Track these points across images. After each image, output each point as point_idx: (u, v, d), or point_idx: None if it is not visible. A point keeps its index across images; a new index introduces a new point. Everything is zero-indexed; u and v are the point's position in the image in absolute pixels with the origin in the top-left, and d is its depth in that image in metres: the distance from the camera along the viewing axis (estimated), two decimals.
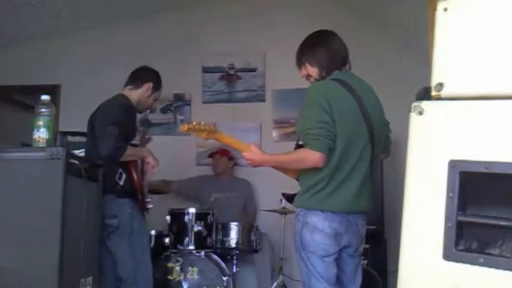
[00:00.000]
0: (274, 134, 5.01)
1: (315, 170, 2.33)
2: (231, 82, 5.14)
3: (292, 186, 2.55)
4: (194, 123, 2.56)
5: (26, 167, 2.50)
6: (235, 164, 4.82)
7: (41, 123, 2.56)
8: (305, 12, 4.88)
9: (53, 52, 5.22)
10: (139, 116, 3.64)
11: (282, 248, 4.11)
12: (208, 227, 3.97)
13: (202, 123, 2.57)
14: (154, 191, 3.85)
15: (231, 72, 5.14)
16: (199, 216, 3.97)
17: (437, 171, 1.20)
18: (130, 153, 3.07)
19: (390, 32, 4.74)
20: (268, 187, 4.30)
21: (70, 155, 2.59)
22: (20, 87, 5.40)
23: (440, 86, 1.24)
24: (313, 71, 2.52)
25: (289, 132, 4.83)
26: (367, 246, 2.97)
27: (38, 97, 2.63)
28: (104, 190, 3.00)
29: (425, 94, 1.26)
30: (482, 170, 1.15)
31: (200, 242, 3.92)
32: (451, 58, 1.25)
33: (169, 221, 3.99)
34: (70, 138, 3.99)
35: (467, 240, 1.18)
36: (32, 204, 2.45)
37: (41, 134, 2.56)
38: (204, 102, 5.16)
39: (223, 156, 4.71)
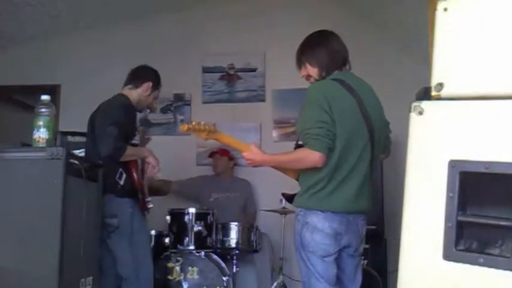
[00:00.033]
0: (274, 134, 5.01)
1: (314, 169, 2.33)
2: (231, 82, 5.14)
3: (292, 186, 2.55)
4: (194, 123, 2.56)
5: (26, 167, 2.50)
6: (235, 164, 4.82)
7: (41, 123, 2.56)
8: (305, 12, 4.88)
9: (53, 52, 5.22)
10: (139, 115, 3.64)
11: (282, 248, 4.11)
12: (208, 227, 3.97)
13: (202, 123, 2.57)
14: (154, 192, 3.84)
15: (231, 72, 5.14)
16: (199, 216, 3.97)
17: (437, 171, 1.20)
18: (130, 153, 3.07)
19: (390, 32, 4.74)
20: (268, 187, 4.30)
21: (70, 155, 2.59)
22: (20, 87, 5.40)
23: (440, 86, 1.24)
24: (313, 71, 2.52)
25: (289, 132, 4.83)
26: (367, 246, 2.97)
27: (38, 97, 2.63)
28: (104, 190, 3.00)
29: (425, 94, 1.26)
30: (482, 170, 1.15)
31: (200, 242, 3.92)
32: (451, 58, 1.25)
33: (169, 221, 3.99)
34: (70, 138, 3.99)
35: (467, 240, 1.18)
36: (32, 204, 2.45)
37: (41, 134, 2.55)
38: (204, 102, 5.16)
39: (224, 156, 4.71)
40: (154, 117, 5.05)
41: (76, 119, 3.72)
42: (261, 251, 4.27)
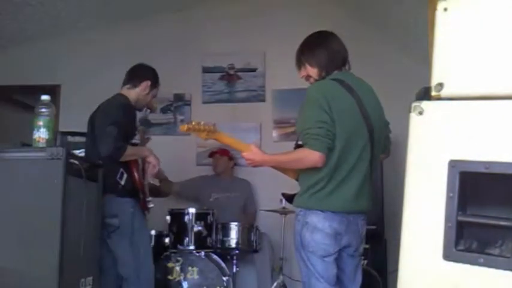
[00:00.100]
0: (274, 134, 5.01)
1: (314, 169, 2.33)
2: (231, 82, 5.14)
3: (292, 186, 2.55)
4: (194, 123, 2.57)
5: (26, 167, 2.50)
6: (235, 164, 4.82)
7: (41, 123, 2.56)
8: (305, 12, 4.88)
9: (53, 52, 5.21)
10: (139, 115, 3.64)
11: (282, 248, 4.11)
12: (208, 227, 3.97)
13: (202, 123, 2.57)
14: (155, 193, 3.84)
15: (231, 72, 5.14)
16: (199, 216, 3.97)
17: (437, 171, 1.20)
18: (130, 153, 3.07)
19: (390, 32, 4.74)
20: (268, 187, 4.30)
21: (70, 155, 2.59)
22: (20, 87, 5.40)
23: (440, 86, 1.24)
24: (313, 71, 2.52)
25: (289, 132, 4.83)
26: (367, 246, 2.97)
27: (38, 97, 2.63)
28: (105, 190, 3.00)
29: (425, 94, 1.26)
30: (482, 170, 1.15)
31: (200, 242, 3.92)
32: (451, 58, 1.25)
33: (169, 221, 3.99)
34: (70, 138, 3.99)
35: (467, 240, 1.18)
36: (32, 204, 2.45)
37: (41, 134, 2.55)
38: (204, 102, 5.16)
39: (224, 155, 4.71)
40: (154, 117, 5.05)
41: (76, 119, 3.71)
42: (261, 251, 4.27)
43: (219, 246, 4.03)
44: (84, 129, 3.35)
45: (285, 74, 4.12)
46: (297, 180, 2.52)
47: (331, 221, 2.33)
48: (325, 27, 2.64)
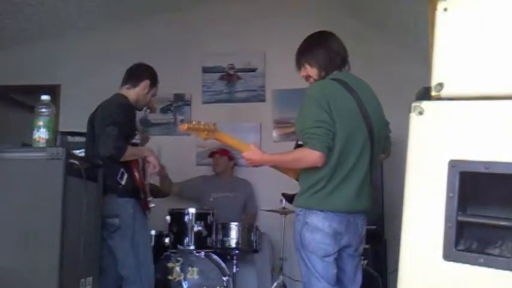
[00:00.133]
0: (274, 134, 5.01)
1: (314, 169, 2.33)
2: (231, 82, 5.14)
3: (292, 186, 2.55)
4: (194, 122, 2.57)
5: (26, 167, 2.50)
6: (235, 164, 4.82)
7: (41, 123, 2.56)
8: (305, 12, 4.88)
9: (53, 52, 5.21)
10: (139, 115, 3.64)
11: (282, 248, 4.11)
12: (208, 227, 3.97)
13: (202, 123, 2.58)
14: (155, 193, 3.83)
15: (231, 72, 5.14)
16: (199, 216, 3.97)
17: (437, 171, 1.20)
18: (130, 153, 3.07)
19: (390, 32, 4.74)
20: (268, 187, 4.29)
21: (70, 155, 2.58)
22: (20, 87, 5.40)
23: (440, 86, 1.24)
24: (313, 71, 2.53)
25: (289, 132, 4.83)
26: (367, 246, 2.97)
27: (38, 97, 2.63)
28: (106, 190, 2.99)
29: (425, 94, 1.26)
30: (482, 170, 1.15)
31: (200, 242, 3.92)
32: (451, 58, 1.25)
33: (169, 221, 3.99)
34: (70, 138, 3.99)
35: (467, 240, 1.18)
36: (32, 204, 2.45)
37: (41, 134, 2.55)
38: (204, 102, 5.16)
39: (223, 155, 4.71)
40: (154, 117, 5.05)
41: (76, 119, 3.71)
42: (261, 251, 4.27)
43: (219, 246, 4.03)
44: (84, 129, 3.35)
45: (285, 74, 4.11)
46: (297, 180, 2.52)
47: (331, 221, 2.33)
48: (324, 27, 2.64)
